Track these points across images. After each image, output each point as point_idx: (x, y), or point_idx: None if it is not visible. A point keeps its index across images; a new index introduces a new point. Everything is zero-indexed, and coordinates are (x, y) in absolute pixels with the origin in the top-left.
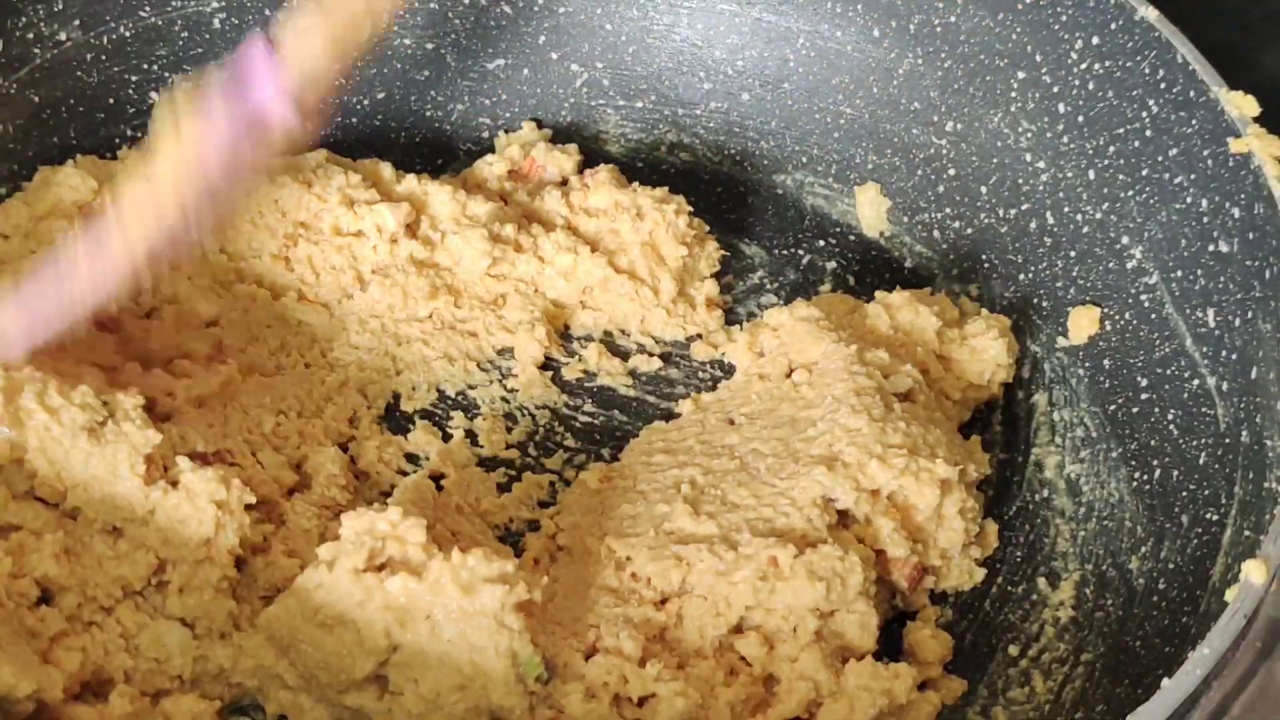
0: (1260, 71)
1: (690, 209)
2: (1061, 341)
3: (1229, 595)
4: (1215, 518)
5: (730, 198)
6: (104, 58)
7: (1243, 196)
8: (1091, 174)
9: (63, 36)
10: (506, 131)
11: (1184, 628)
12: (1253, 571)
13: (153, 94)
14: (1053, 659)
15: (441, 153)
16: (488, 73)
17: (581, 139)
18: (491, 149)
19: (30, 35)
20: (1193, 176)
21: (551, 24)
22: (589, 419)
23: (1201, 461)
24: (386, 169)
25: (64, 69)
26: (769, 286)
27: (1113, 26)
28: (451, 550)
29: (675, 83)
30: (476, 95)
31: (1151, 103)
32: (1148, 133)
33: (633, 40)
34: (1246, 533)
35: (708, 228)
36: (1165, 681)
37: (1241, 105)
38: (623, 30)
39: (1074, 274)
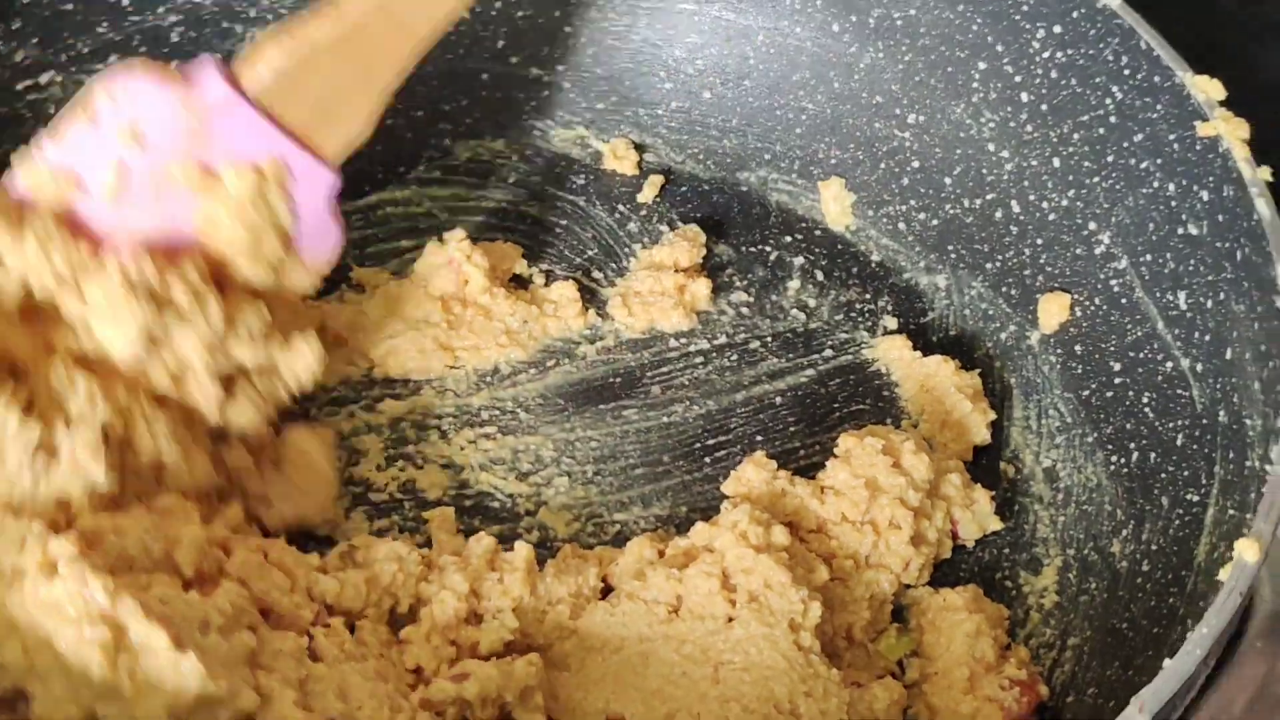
0: (1260, 72)
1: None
2: (1032, 329)
3: (1222, 574)
4: (1196, 498)
5: (695, 196)
6: (64, 75)
7: (1211, 179)
8: (1056, 162)
9: (20, 56)
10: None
11: (1171, 608)
12: (1246, 550)
13: None
14: (1039, 644)
15: (404, 160)
16: (447, 78)
17: (543, 142)
18: (453, 154)
19: None
20: (1159, 161)
21: (510, 28)
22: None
23: (1179, 443)
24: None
25: (23, 87)
26: (739, 284)
27: (1074, 15)
28: None
29: (635, 83)
30: (436, 101)
31: (1115, 89)
32: (1112, 119)
33: (592, 42)
34: (1230, 511)
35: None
36: (1167, 662)
37: (1208, 89)
38: (581, 32)
39: (1042, 261)
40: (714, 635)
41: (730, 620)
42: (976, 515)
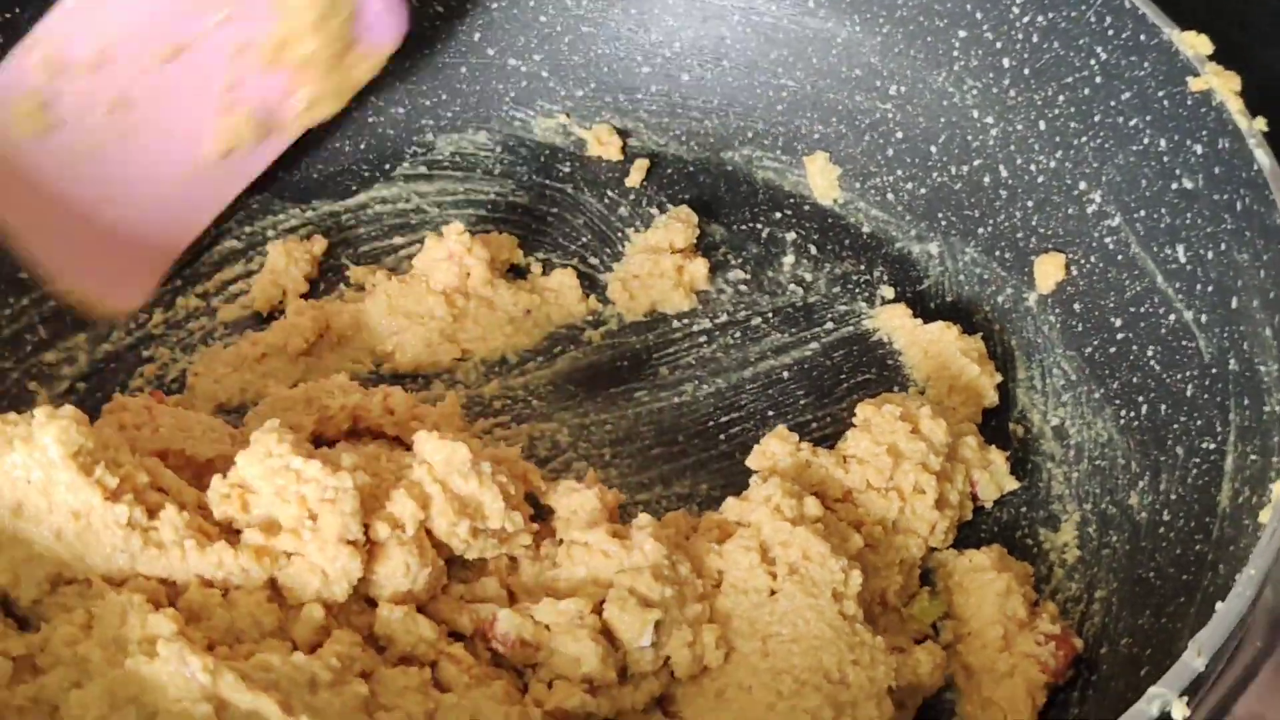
0: (1261, 70)
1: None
2: (1029, 291)
3: (1263, 517)
4: (1212, 446)
5: (681, 178)
6: None
7: (1204, 133)
8: (1042, 124)
9: None
10: (438, 233)
11: (1199, 555)
12: None
13: None
14: (1066, 599)
15: (387, 158)
16: (425, 73)
17: (525, 132)
18: (436, 148)
19: None
20: (1148, 118)
21: (485, 20)
22: None
23: (1189, 393)
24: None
25: None
26: (734, 262)
27: None
28: None
29: (614, 69)
30: (416, 97)
31: (1099, 49)
32: (1097, 79)
33: (568, 30)
34: (1253, 457)
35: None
36: (1219, 605)
37: (1196, 44)
38: (557, 21)
39: (1034, 223)
40: (759, 608)
41: (773, 593)
42: (994, 475)
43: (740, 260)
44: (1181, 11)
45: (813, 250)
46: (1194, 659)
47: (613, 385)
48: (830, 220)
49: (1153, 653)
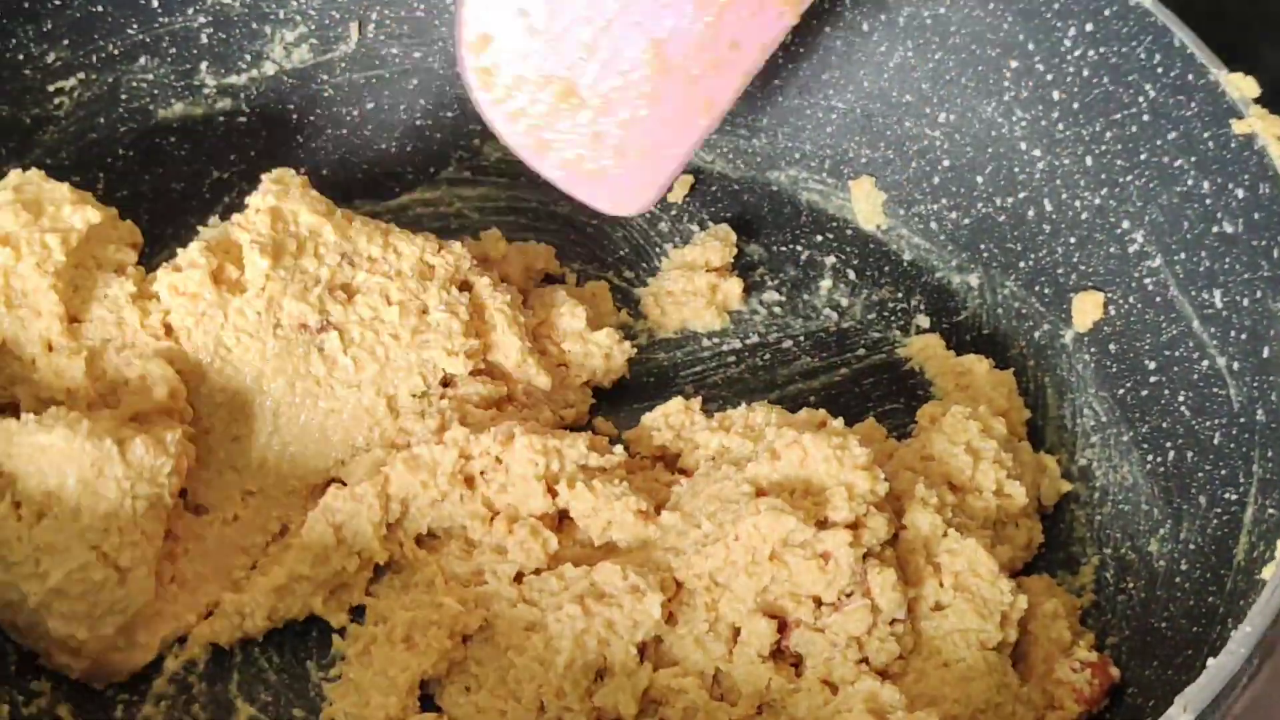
0: (1262, 71)
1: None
2: (1065, 328)
3: (1266, 573)
4: (1234, 497)
5: (725, 196)
6: (94, 76)
7: (1246, 177)
8: (1089, 160)
9: (51, 58)
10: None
11: (1211, 608)
12: None
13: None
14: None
15: (433, 161)
16: None
17: None
18: (482, 154)
19: (20, 56)
20: (1193, 159)
21: None
22: None
23: (1216, 442)
24: None
25: (54, 88)
26: (770, 283)
27: (1106, 13)
28: None
29: None
30: (466, 102)
31: (1149, 87)
32: (1145, 117)
33: None
34: (1270, 511)
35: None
36: (1211, 661)
37: (1242, 86)
38: None
39: (1075, 260)
40: (922, 620)
41: (939, 607)
42: (1050, 479)
43: (777, 282)
44: (1183, 12)
45: (851, 275)
46: (1180, 715)
47: (637, 401)
48: (871, 246)
49: (1156, 705)
